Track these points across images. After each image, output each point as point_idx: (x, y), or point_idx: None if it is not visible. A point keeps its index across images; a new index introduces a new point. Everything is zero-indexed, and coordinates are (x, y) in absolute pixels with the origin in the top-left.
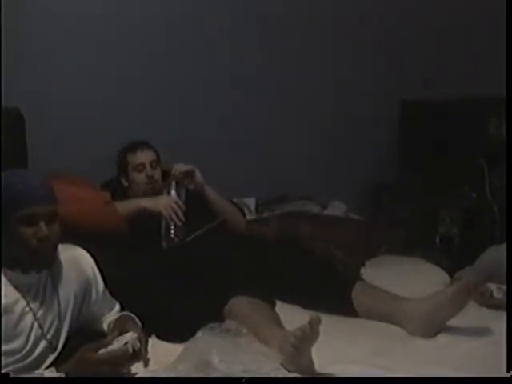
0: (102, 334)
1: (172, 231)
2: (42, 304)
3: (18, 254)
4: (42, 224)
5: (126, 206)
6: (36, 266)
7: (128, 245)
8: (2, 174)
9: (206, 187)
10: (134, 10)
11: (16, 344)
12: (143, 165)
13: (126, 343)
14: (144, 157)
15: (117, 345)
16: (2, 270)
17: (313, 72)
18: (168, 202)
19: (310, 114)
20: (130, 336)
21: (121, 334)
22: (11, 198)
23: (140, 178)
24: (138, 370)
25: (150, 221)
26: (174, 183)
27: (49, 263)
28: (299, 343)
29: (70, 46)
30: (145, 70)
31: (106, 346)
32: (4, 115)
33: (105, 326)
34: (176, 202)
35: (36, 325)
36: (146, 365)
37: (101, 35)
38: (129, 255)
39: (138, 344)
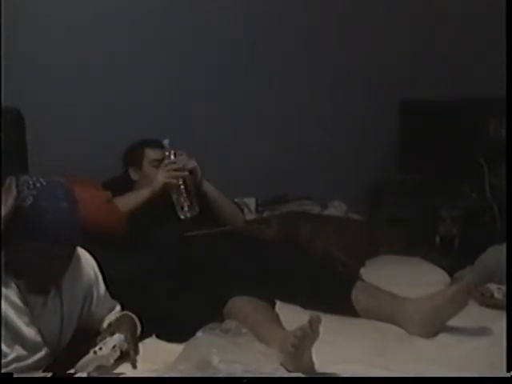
0: None
1: (185, 208)
2: (44, 309)
3: (27, 269)
4: (63, 261)
5: (126, 201)
6: (44, 286)
7: (128, 245)
8: (39, 185)
9: (205, 183)
10: (134, 9)
11: (16, 348)
12: (160, 162)
13: (114, 346)
14: (161, 154)
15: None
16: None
17: (313, 72)
18: (168, 173)
19: (310, 113)
20: (117, 338)
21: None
22: (43, 227)
23: (154, 173)
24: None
25: (150, 220)
26: None
27: (54, 288)
28: (299, 343)
29: (70, 46)
30: (145, 70)
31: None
32: (4, 115)
33: (105, 326)
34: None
35: (38, 331)
36: (134, 366)
37: (101, 35)
38: (129, 255)
39: (126, 345)
